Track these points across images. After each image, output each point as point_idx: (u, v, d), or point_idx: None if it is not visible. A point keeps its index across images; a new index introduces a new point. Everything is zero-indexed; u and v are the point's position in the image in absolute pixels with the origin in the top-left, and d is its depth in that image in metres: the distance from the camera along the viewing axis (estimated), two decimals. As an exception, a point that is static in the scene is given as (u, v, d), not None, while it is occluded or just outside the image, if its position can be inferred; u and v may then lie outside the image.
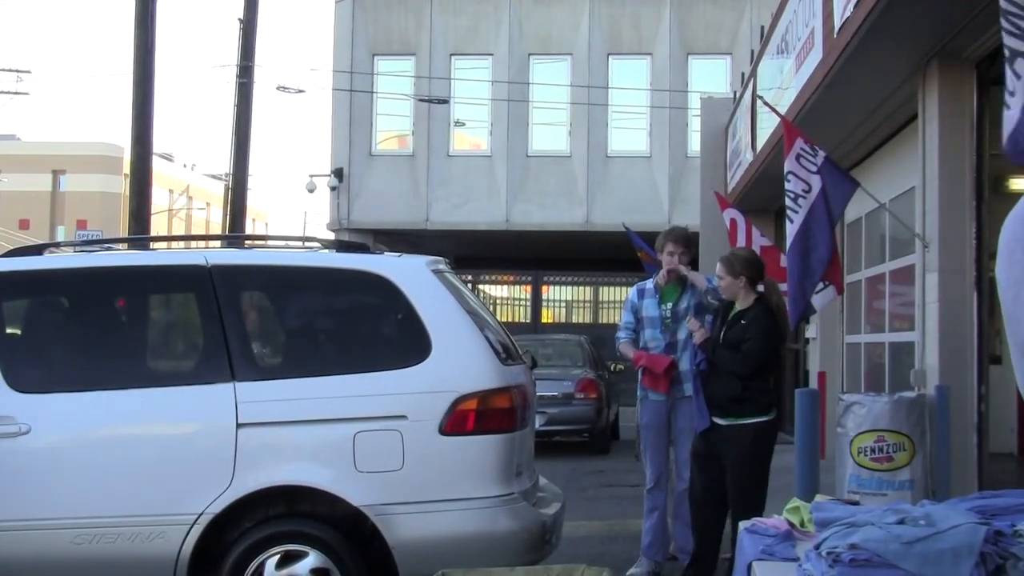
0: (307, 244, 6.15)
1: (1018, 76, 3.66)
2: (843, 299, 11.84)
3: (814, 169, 7.43)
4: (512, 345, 5.88)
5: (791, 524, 3.94)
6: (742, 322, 6.23)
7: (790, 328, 6.89)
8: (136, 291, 5.74)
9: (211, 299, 5.38)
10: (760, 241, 9.91)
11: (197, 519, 5.06)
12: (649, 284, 7.20)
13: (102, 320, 5.70)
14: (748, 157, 14.18)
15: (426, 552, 5.05)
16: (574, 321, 23.33)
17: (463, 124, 24.35)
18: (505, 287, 25.40)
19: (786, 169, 7.48)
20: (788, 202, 7.43)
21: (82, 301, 5.69)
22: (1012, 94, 3.77)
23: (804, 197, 7.38)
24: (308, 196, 41.98)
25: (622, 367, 19.55)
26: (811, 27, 9.26)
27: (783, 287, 9.51)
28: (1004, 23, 3.75)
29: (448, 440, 5.12)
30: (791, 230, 7.42)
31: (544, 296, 24.26)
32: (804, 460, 7.13)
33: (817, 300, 7.61)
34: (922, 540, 3.09)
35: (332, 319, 5.89)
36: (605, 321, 25.35)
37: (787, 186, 7.45)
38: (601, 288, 25.25)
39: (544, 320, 23.59)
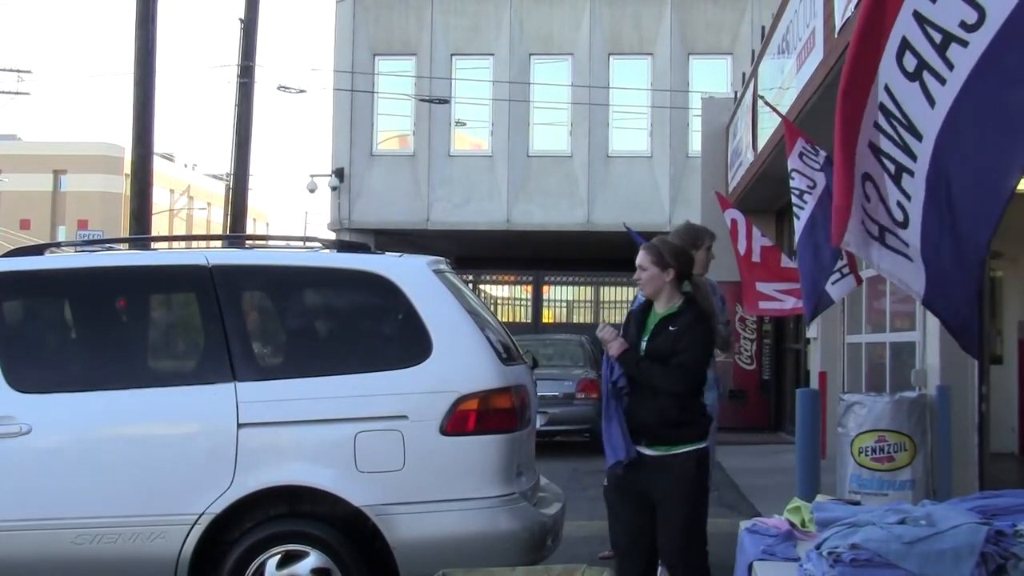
0: (308, 244, 6.15)
1: (908, 198, 3.45)
2: (844, 299, 11.83)
3: (817, 167, 7.44)
4: (513, 345, 5.87)
5: (792, 524, 3.95)
6: (671, 328, 4.96)
7: (724, 337, 6.12)
8: (137, 291, 5.74)
9: (212, 299, 5.38)
10: (761, 241, 9.90)
11: (198, 519, 5.06)
12: None
13: (103, 320, 5.70)
14: (749, 157, 14.19)
15: (427, 552, 5.05)
16: (575, 321, 23.27)
17: (464, 124, 24.34)
18: (506, 287, 25.38)
19: (790, 167, 7.48)
20: (794, 199, 7.44)
21: (83, 301, 5.69)
22: (906, 245, 3.50)
23: (809, 193, 7.38)
24: (309, 196, 41.98)
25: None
26: (812, 27, 9.27)
27: (787, 287, 9.52)
28: (882, 119, 3.47)
29: (449, 440, 5.12)
30: (799, 226, 7.42)
31: (545, 296, 24.23)
32: (805, 460, 7.14)
33: (834, 291, 7.56)
34: (923, 540, 3.09)
35: (333, 319, 5.90)
36: (606, 321, 25.33)
37: (791, 183, 7.45)
38: (602, 288, 25.21)
39: (545, 320, 23.55)
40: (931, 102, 3.34)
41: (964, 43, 3.25)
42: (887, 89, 3.43)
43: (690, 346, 4.91)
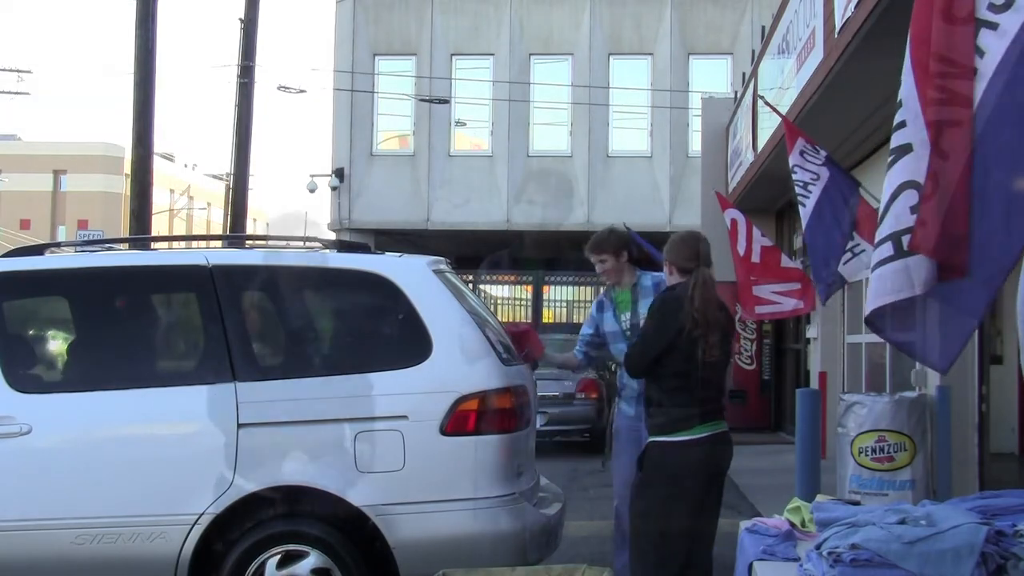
0: (308, 244, 6.14)
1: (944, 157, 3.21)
2: (844, 299, 11.84)
3: (819, 163, 7.50)
4: (513, 345, 5.87)
5: (792, 524, 3.94)
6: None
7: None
8: (137, 291, 5.74)
9: (212, 299, 5.37)
10: (761, 241, 9.90)
11: (198, 519, 5.05)
12: (606, 293, 6.62)
13: (103, 320, 5.70)
14: (749, 157, 14.19)
15: (427, 552, 5.05)
16: (575, 321, 23.29)
17: (464, 124, 24.34)
18: (506, 287, 25.39)
19: (791, 163, 7.52)
20: (798, 190, 7.49)
21: (83, 301, 5.69)
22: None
23: (814, 184, 7.44)
24: (309, 196, 41.95)
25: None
26: (812, 27, 9.27)
27: (787, 287, 9.52)
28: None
29: (449, 440, 5.12)
30: (804, 213, 7.49)
31: (545, 296, 24.25)
32: (805, 460, 7.15)
33: (846, 271, 7.63)
34: (923, 540, 3.09)
35: (333, 319, 5.89)
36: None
37: (795, 177, 7.50)
38: (602, 288, 25.20)
39: (545, 320, 23.59)
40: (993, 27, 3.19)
41: (994, 26, 3.14)
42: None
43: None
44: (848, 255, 7.54)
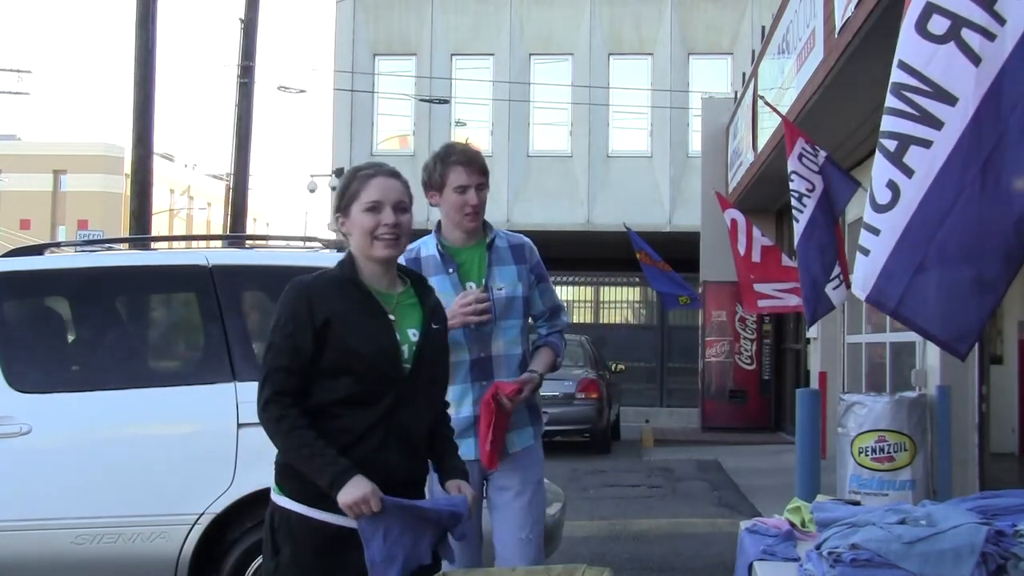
0: (308, 244, 6.14)
1: (909, 174, 3.15)
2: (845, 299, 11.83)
3: (816, 169, 7.46)
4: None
5: (792, 524, 3.94)
6: None
7: None
8: (137, 291, 5.74)
9: (212, 299, 5.37)
10: (761, 241, 9.91)
11: (198, 519, 5.05)
12: (431, 247, 4.52)
13: (103, 320, 5.69)
14: (749, 157, 14.19)
15: (427, 552, 5.04)
16: (575, 321, 23.28)
17: (464, 124, 24.35)
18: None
19: (790, 168, 7.50)
20: (793, 201, 7.46)
21: (83, 301, 5.68)
22: (876, 231, 3.22)
23: (809, 196, 7.40)
24: (309, 196, 42.00)
25: (623, 367, 19.57)
26: (812, 27, 9.27)
27: (788, 286, 9.52)
28: (893, 100, 3.21)
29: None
30: (798, 229, 7.45)
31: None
32: (805, 460, 7.15)
33: (835, 296, 7.61)
34: (923, 540, 3.08)
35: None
36: (606, 321, 25.33)
37: (791, 185, 7.47)
38: (602, 288, 25.22)
39: (545, 320, 23.57)
40: (974, 60, 3.13)
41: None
42: (902, 66, 3.28)
43: None
44: (836, 281, 7.51)
